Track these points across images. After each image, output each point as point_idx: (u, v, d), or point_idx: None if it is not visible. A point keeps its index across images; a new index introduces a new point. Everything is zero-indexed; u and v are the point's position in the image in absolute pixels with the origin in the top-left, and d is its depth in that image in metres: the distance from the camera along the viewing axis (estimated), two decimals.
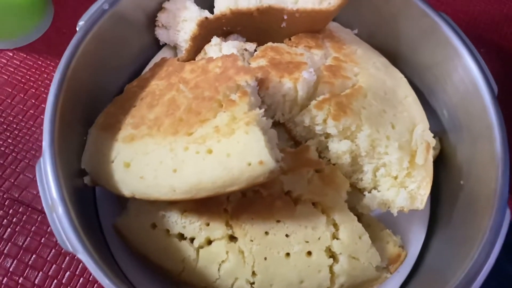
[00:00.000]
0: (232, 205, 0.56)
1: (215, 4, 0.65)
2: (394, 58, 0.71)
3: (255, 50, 0.66)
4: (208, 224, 0.56)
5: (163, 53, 0.71)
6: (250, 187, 0.54)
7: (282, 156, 0.53)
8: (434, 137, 0.64)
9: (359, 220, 0.60)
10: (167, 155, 0.52)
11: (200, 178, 0.50)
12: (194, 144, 0.51)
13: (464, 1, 1.01)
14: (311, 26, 0.68)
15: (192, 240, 0.56)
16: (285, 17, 0.64)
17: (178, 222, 0.56)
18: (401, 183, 0.58)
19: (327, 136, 0.60)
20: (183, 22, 0.66)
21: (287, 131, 0.64)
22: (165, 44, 0.71)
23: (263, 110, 0.52)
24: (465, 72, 0.62)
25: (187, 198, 0.51)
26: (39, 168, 0.50)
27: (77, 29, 0.57)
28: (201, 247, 0.56)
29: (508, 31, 0.98)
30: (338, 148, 0.59)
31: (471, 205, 0.59)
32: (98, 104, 0.63)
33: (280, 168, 0.52)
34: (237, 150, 0.49)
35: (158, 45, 0.72)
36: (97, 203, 0.64)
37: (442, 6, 1.00)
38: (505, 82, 0.90)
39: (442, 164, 0.67)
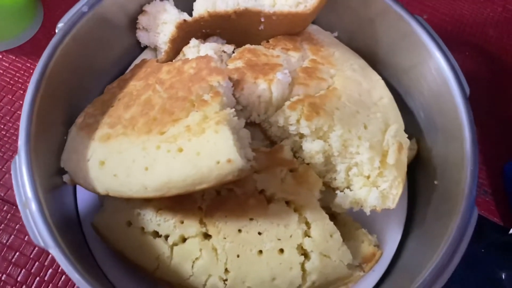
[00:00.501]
0: (206, 203, 0.58)
1: (194, 7, 0.66)
2: (373, 60, 0.72)
3: (233, 52, 0.67)
4: (182, 222, 0.57)
5: (145, 55, 0.72)
6: (221, 185, 0.55)
7: (254, 155, 0.54)
8: (411, 138, 0.65)
9: (335, 219, 0.61)
10: (139, 153, 0.53)
11: (170, 176, 0.51)
12: (166, 143, 0.52)
13: (450, 5, 1.02)
14: (290, 29, 0.69)
15: (166, 237, 0.57)
16: (263, 19, 0.66)
17: (153, 220, 0.57)
18: (373, 182, 0.59)
19: (301, 136, 0.61)
20: (162, 24, 0.68)
21: (262, 131, 0.65)
22: (147, 46, 0.73)
23: (233, 109, 0.53)
24: (438, 73, 0.62)
25: (158, 196, 0.53)
26: (14, 165, 0.52)
27: (56, 31, 0.59)
28: (175, 244, 0.57)
29: (493, 35, 0.98)
30: (311, 148, 0.60)
31: (443, 205, 0.60)
32: (80, 105, 0.65)
33: (251, 167, 0.53)
34: (207, 149, 0.50)
35: (140, 47, 0.73)
36: (78, 202, 0.66)
37: (428, 9, 1.01)
38: (491, 84, 0.91)
39: (419, 164, 0.68)
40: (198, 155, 0.50)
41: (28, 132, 0.53)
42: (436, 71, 0.63)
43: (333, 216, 0.62)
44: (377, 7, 0.68)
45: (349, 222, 0.65)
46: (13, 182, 0.51)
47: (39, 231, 0.49)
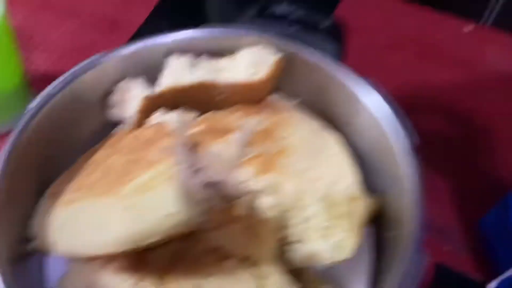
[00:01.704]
0: (163, 262, 0.58)
1: (158, 83, 0.73)
2: (330, 121, 0.76)
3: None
4: (139, 282, 0.58)
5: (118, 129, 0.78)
6: (174, 238, 0.56)
7: (206, 209, 0.57)
8: (368, 192, 0.67)
9: (299, 275, 0.61)
10: (97, 213, 0.56)
11: (123, 232, 0.53)
12: (122, 201, 0.55)
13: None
14: (249, 98, 0.75)
15: None
16: (221, 90, 0.72)
17: (111, 282, 0.58)
18: (328, 234, 0.60)
19: (255, 192, 0.64)
20: (131, 99, 0.73)
21: (218, 190, 0.67)
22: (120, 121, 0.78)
23: (186, 166, 0.57)
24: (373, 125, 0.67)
25: (115, 253, 0.54)
26: None
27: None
28: None
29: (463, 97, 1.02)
30: (265, 203, 0.62)
31: (399, 254, 0.60)
32: (53, 177, 0.69)
33: (204, 220, 0.55)
34: (157, 202, 0.53)
35: (116, 123, 0.79)
36: (46, 271, 0.67)
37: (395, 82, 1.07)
38: (465, 140, 0.93)
39: (379, 215, 0.69)
40: (149, 209, 0.53)
41: None
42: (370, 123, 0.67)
43: (297, 272, 0.63)
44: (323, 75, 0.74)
45: (313, 278, 0.64)
46: None
47: None
